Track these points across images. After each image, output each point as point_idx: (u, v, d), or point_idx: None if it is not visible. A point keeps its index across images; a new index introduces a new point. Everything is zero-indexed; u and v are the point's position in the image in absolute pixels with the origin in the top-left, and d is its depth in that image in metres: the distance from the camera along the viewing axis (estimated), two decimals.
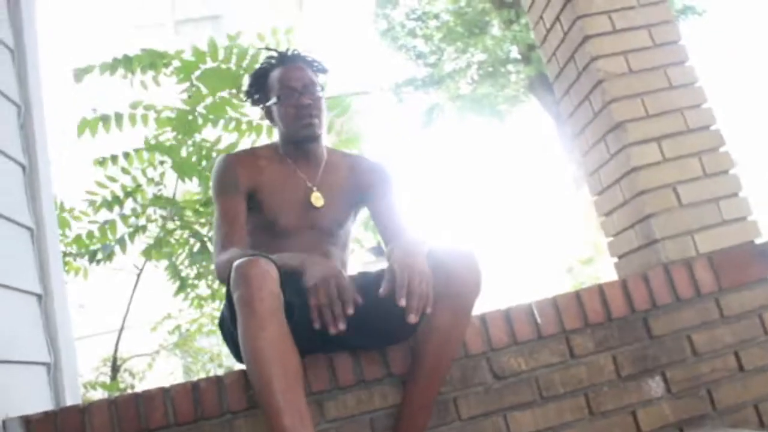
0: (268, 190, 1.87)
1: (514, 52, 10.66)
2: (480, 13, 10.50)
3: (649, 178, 2.01)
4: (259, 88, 2.00)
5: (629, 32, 2.11)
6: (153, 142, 3.58)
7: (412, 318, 1.42)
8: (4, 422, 1.69)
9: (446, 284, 1.52)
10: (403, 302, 1.42)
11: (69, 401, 2.01)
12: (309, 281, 1.51)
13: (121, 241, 3.43)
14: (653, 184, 2.01)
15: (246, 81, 3.40)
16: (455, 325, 1.58)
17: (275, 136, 2.17)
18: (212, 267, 3.73)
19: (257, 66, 2.07)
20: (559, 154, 10.55)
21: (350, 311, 1.47)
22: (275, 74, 1.94)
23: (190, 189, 3.91)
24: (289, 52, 1.98)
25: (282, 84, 1.90)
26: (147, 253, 3.58)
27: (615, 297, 1.90)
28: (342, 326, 1.46)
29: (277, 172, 1.91)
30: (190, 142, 3.51)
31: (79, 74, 3.39)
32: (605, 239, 2.33)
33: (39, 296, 2.05)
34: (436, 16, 10.96)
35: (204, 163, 3.48)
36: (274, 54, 1.99)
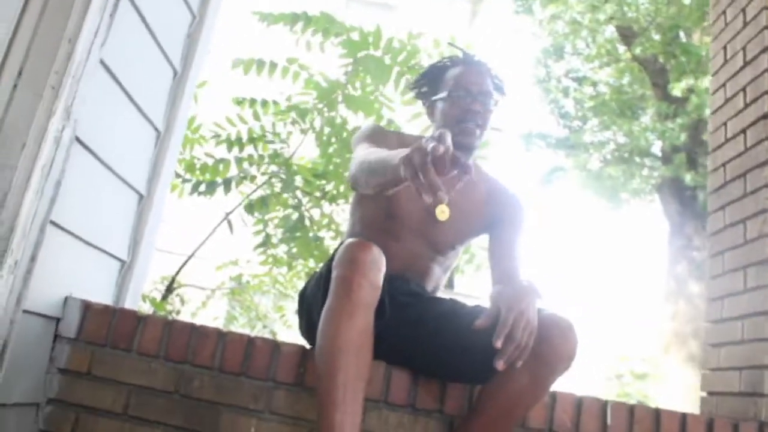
0: None
1: (656, 148, 10.32)
2: (639, 97, 10.23)
3: None
4: (432, 81, 1.88)
5: None
6: (295, 100, 3.62)
7: (500, 365, 1.33)
8: (66, 298, 1.72)
9: (539, 348, 1.41)
10: (499, 344, 1.32)
11: (128, 303, 2.03)
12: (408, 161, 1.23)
13: (227, 183, 3.48)
14: None
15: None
16: (530, 393, 1.47)
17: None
18: (299, 234, 3.74)
19: (438, 60, 1.96)
20: (663, 263, 10.13)
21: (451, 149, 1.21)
22: (453, 72, 1.83)
23: (310, 159, 3.92)
24: (476, 57, 1.87)
25: (458, 82, 1.79)
26: (247, 207, 3.61)
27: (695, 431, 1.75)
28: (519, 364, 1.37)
29: None
30: (327, 114, 3.52)
31: (261, 17, 3.46)
32: (680, 366, 2.16)
33: (141, 196, 2.08)
34: (595, 84, 10.75)
35: (333, 139, 3.49)
36: (460, 53, 1.89)
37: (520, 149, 11.21)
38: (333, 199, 3.79)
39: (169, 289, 4.46)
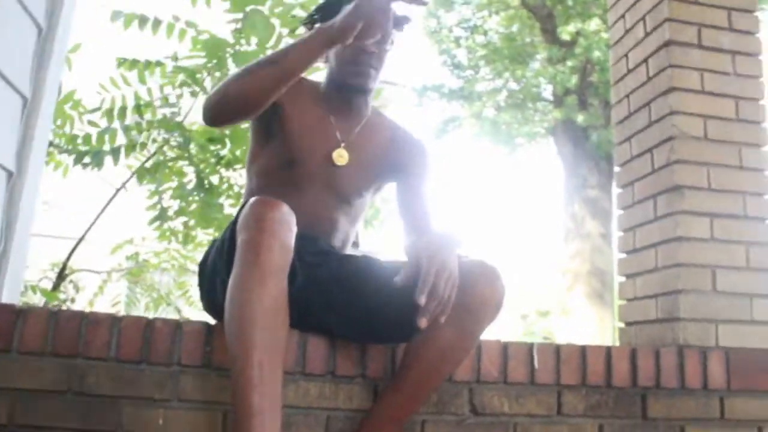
0: (295, 122, 1.65)
1: (548, 92, 10.54)
2: (528, 43, 10.37)
3: (690, 252, 1.86)
4: (326, 15, 1.70)
5: (716, 98, 1.96)
6: (183, 61, 3.35)
7: (423, 322, 1.24)
8: None
9: (462, 298, 1.32)
10: (422, 300, 1.23)
11: (5, 297, 1.80)
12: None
13: (116, 152, 3.19)
14: (693, 261, 1.86)
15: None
16: (458, 346, 1.39)
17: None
18: (196, 206, 3.53)
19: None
20: (558, 201, 10.46)
21: None
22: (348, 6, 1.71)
23: (199, 121, 3.69)
24: None
25: None
26: (140, 174, 3.35)
27: (621, 364, 1.74)
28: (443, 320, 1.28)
29: (310, 108, 1.68)
30: (218, 75, 3.29)
31: None
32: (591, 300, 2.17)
33: (10, 173, 1.84)
34: (485, 33, 10.80)
35: None
36: None
37: (415, 102, 11.18)
38: (229, 164, 3.58)
39: (61, 276, 4.14)
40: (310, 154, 1.64)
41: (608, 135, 9.57)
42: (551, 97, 10.25)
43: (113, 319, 1.52)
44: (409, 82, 11.46)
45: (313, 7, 1.81)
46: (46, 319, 1.49)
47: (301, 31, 1.86)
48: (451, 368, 1.43)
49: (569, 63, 9.01)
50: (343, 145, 1.67)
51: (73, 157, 3.26)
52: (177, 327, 1.53)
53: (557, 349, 1.72)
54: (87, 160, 3.17)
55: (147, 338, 1.51)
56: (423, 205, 1.68)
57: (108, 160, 3.20)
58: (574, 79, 9.00)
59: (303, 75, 1.68)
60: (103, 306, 5.11)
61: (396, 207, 1.75)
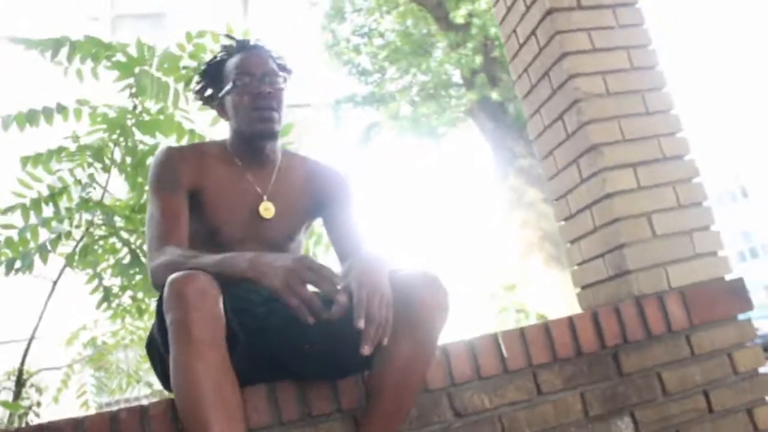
0: (212, 193, 1.63)
1: (457, 77, 10.68)
2: (426, 35, 10.49)
3: (623, 205, 1.91)
4: (213, 79, 1.75)
5: (608, 52, 2.01)
6: (84, 140, 3.27)
7: (366, 349, 1.23)
8: None
9: (407, 311, 1.32)
10: (361, 324, 1.22)
11: None
12: (274, 285, 1.25)
13: (42, 249, 3.07)
14: (628, 213, 1.90)
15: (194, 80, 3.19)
16: (417, 358, 1.37)
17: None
18: (139, 277, 3.45)
19: (212, 57, 1.81)
20: (493, 178, 10.59)
21: (339, 285, 1.25)
22: (233, 61, 1.70)
23: (117, 196, 3.60)
24: (251, 41, 1.75)
25: (239, 69, 1.66)
26: (70, 260, 3.24)
27: (585, 330, 1.77)
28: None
29: (224, 173, 1.67)
30: (124, 143, 3.22)
31: (16, 42, 3.03)
32: (557, 267, 2.21)
33: None
34: (382, 35, 10.87)
35: (139, 169, 3.19)
36: (233, 42, 1.76)
37: (332, 118, 11.18)
38: None
39: (20, 383, 3.97)
40: (234, 218, 1.63)
41: None
42: (461, 81, 10.38)
43: (75, 423, 1.47)
44: (323, 100, 11.46)
45: (196, 76, 1.79)
46: None
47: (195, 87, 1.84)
48: (417, 380, 1.42)
49: (469, 45, 9.14)
50: (265, 197, 1.66)
51: (2, 263, 3.13)
52: (143, 413, 1.49)
53: (522, 333, 1.74)
54: (17, 265, 3.05)
55: None
56: (350, 233, 1.69)
57: (37, 259, 3.08)
58: (478, 59, 9.13)
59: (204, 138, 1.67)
60: (69, 400, 4.95)
61: (328, 238, 1.75)
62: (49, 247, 3.14)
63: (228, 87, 1.67)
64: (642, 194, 1.92)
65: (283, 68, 1.76)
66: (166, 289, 1.25)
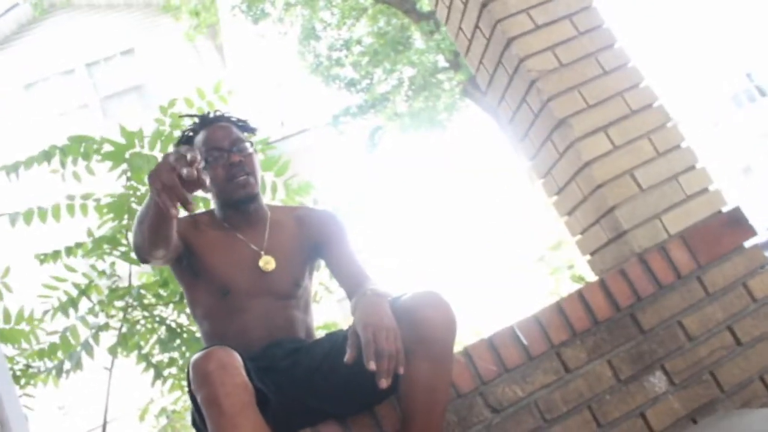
0: (210, 252, 1.74)
1: (442, 61, 10.70)
2: (400, 29, 10.54)
3: (603, 169, 1.94)
4: None
5: (552, 26, 2.04)
6: (96, 233, 3.40)
7: (383, 383, 1.31)
8: None
9: (416, 333, 1.40)
10: (372, 366, 1.30)
11: None
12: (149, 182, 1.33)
13: (87, 346, 3.22)
14: (610, 175, 1.93)
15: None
16: (437, 373, 1.45)
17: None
18: (184, 348, 3.56)
19: (181, 134, 1.93)
20: (508, 150, 10.58)
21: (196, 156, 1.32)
22: (199, 138, 1.82)
23: (144, 271, 3.73)
24: (211, 114, 1.87)
25: (208, 146, 1.77)
26: (112, 351, 3.38)
27: (597, 299, 1.81)
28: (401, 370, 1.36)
29: (217, 236, 1.78)
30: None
31: (9, 170, 3.17)
32: (573, 237, 2.25)
33: None
34: (359, 42, 10.96)
35: None
36: (195, 118, 1.87)
37: (335, 135, 11.28)
38: None
39: None
40: (237, 277, 1.72)
41: None
42: (447, 65, 10.40)
43: None
44: (321, 121, 11.57)
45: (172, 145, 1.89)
46: None
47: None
48: (443, 394, 1.49)
49: (443, 28, 9.16)
50: (263, 252, 1.75)
51: (53, 370, 3.28)
52: None
53: (536, 319, 1.78)
54: (67, 367, 3.19)
55: None
56: (351, 266, 1.76)
57: (84, 357, 3.23)
58: (457, 46, 9.14)
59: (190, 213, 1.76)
60: None
61: (333, 276, 1.83)
62: (92, 343, 3.28)
63: (201, 164, 1.76)
64: (619, 153, 1.95)
65: (247, 129, 1.86)
66: (191, 372, 1.36)
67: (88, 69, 10.64)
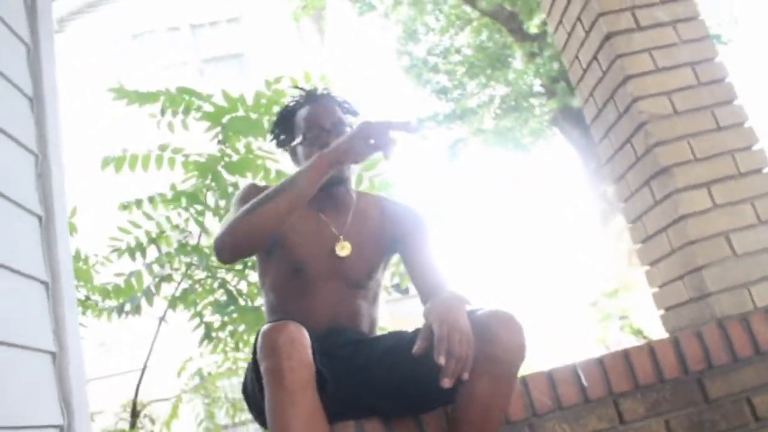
0: (291, 233, 1.72)
1: (537, 86, 10.57)
2: (502, 47, 10.45)
3: (699, 226, 1.88)
4: (285, 128, 1.88)
5: (673, 71, 1.99)
6: (179, 187, 3.49)
7: (446, 383, 1.29)
8: None
9: (485, 349, 1.38)
10: (442, 360, 1.29)
11: None
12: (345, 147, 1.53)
13: (148, 293, 3.32)
14: (704, 234, 1.87)
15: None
16: (497, 394, 1.43)
17: None
18: (236, 315, 3.63)
19: (284, 105, 1.94)
20: (585, 187, 10.36)
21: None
22: (302, 113, 1.82)
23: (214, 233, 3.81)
24: (319, 91, 1.87)
25: (309, 122, 1.78)
26: (172, 304, 3.47)
27: (666, 356, 1.76)
28: (425, 342, 1.36)
29: (300, 215, 1.73)
30: (216, 189, 3.41)
31: (118, 94, 3.26)
32: (645, 284, 2.19)
33: (53, 354, 1.94)
34: (458, 51, 10.92)
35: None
36: (302, 92, 1.88)
37: (417, 139, 11.30)
38: (254, 266, 3.68)
39: (134, 414, 4.24)
40: (312, 257, 1.72)
41: None
42: (542, 90, 10.26)
43: None
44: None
45: (271, 127, 1.94)
46: None
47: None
48: (498, 415, 1.47)
49: (546, 53, 9.05)
50: (341, 237, 1.74)
51: (113, 310, 3.39)
52: None
53: (601, 361, 1.74)
54: (127, 308, 3.30)
55: None
56: (430, 271, 1.73)
57: (144, 303, 3.33)
58: (556, 66, 9.01)
59: None
60: (182, 428, 5.22)
61: (408, 275, 1.82)
62: (153, 291, 3.38)
63: (299, 139, 1.79)
64: (718, 213, 1.89)
65: (350, 112, 1.87)
66: (259, 340, 1.36)
67: (193, 30, 10.98)
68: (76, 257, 3.47)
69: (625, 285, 10.15)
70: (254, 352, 1.42)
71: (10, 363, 1.72)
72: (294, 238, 1.74)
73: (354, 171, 1.86)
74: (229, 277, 3.68)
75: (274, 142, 1.94)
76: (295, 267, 1.72)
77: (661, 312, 2.12)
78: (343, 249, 1.73)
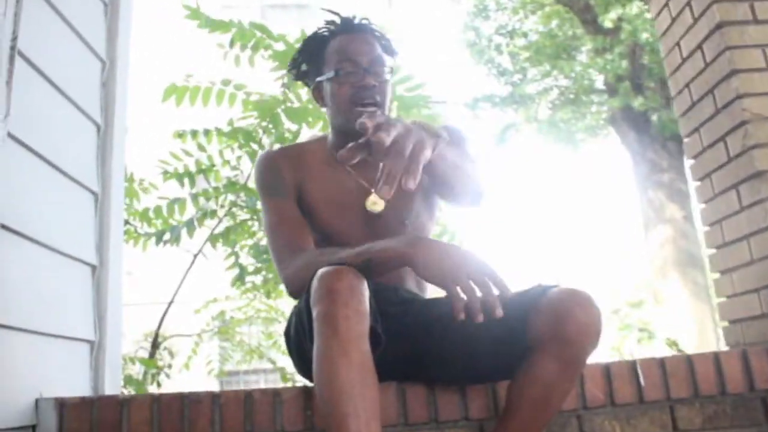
0: (316, 195, 1.58)
1: (600, 82, 10.31)
2: (571, 37, 10.19)
3: None
4: (312, 57, 1.61)
5: None
6: (237, 124, 3.44)
7: (479, 317, 1.18)
8: (37, 401, 1.55)
9: (557, 328, 1.27)
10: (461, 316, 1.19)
11: (108, 385, 1.85)
12: (441, 278, 1.22)
13: (190, 225, 3.28)
14: None
15: None
16: (563, 378, 1.32)
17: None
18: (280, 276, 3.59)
19: (314, 32, 1.65)
20: (632, 192, 10.13)
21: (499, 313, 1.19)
22: (334, 44, 1.57)
23: None
24: (356, 20, 1.60)
25: (342, 55, 1.54)
26: (213, 240, 3.44)
27: (733, 370, 1.65)
28: (500, 312, 1.18)
29: (326, 173, 1.60)
30: (273, 131, 3.35)
31: (193, 14, 3.18)
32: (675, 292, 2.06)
33: (94, 267, 1.91)
34: (525, 35, 10.68)
35: None
36: (336, 18, 1.62)
37: (469, 117, 11.13)
38: None
39: (155, 345, 4.25)
40: (343, 220, 1.58)
41: (670, 115, 9.25)
42: (604, 87, 10.01)
43: (213, 397, 1.55)
44: (460, 98, 11.42)
45: (295, 53, 1.68)
46: (150, 405, 1.54)
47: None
48: (558, 402, 1.37)
49: (617, 50, 8.79)
50: (373, 190, 1.59)
51: (152, 236, 3.36)
52: (276, 396, 1.55)
53: (662, 363, 1.65)
54: (166, 237, 3.26)
55: (248, 411, 1.54)
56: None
57: (184, 234, 3.29)
58: (625, 65, 8.75)
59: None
60: (197, 367, 5.24)
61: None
62: (195, 224, 3.34)
63: (329, 74, 1.56)
64: None
65: (389, 51, 1.63)
66: (315, 283, 1.25)
67: None
68: (126, 178, 3.45)
69: (654, 296, 9.94)
70: (307, 296, 1.33)
71: (50, 269, 1.69)
72: (320, 203, 1.59)
73: (392, 109, 1.66)
74: None
75: (294, 72, 1.67)
76: (326, 235, 1.59)
77: (725, 324, 2.01)
78: (375, 205, 1.47)
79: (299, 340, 1.46)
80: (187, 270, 3.64)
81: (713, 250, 2.03)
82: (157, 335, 4.09)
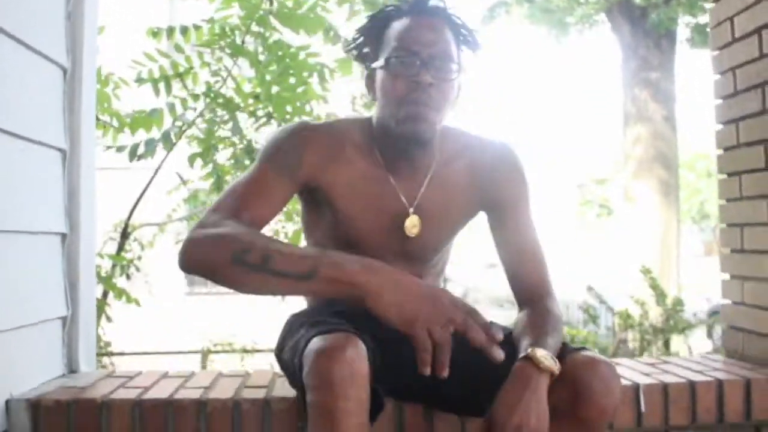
0: (344, 195, 1.36)
1: None
2: None
3: None
4: (371, 39, 1.36)
5: None
6: (216, 18, 3.11)
7: None
8: (7, 403, 1.45)
9: (574, 405, 1.16)
10: None
11: (83, 361, 1.74)
12: (410, 326, 1.05)
13: (166, 138, 3.04)
14: None
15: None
16: None
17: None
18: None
19: (379, 10, 1.39)
20: (619, 87, 9.91)
21: (498, 336, 1.06)
22: (397, 25, 1.31)
23: (247, 76, 3.44)
24: (430, 2, 1.32)
25: (401, 41, 1.28)
26: (192, 160, 3.23)
27: (735, 399, 1.62)
28: (500, 356, 1.07)
29: (362, 171, 1.37)
30: (260, 34, 3.06)
31: None
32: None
33: (63, 235, 1.73)
34: None
35: (274, 67, 3.03)
36: None
37: None
38: (282, 118, 3.35)
39: (124, 235, 4.10)
40: (371, 231, 1.37)
41: (670, 13, 8.89)
42: None
43: (198, 404, 1.47)
44: None
45: (355, 30, 1.42)
46: (131, 411, 1.47)
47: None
48: None
49: None
50: (411, 210, 1.37)
51: (125, 149, 3.10)
52: (265, 406, 1.48)
53: (665, 388, 1.60)
54: (141, 150, 3.04)
55: (236, 420, 1.47)
56: (528, 257, 1.40)
57: (159, 147, 3.07)
58: None
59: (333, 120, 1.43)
60: (167, 250, 5.17)
61: (493, 242, 1.46)
62: (173, 138, 3.12)
63: (380, 62, 1.32)
64: None
65: (467, 43, 1.37)
66: (309, 362, 1.09)
67: None
68: (98, 77, 3.15)
69: (625, 192, 10.00)
70: (301, 354, 1.15)
71: (14, 248, 1.52)
72: (347, 206, 1.36)
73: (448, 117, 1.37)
74: (250, 123, 3.40)
75: (354, 52, 1.42)
76: (346, 242, 1.36)
77: (725, 276, 1.99)
78: (413, 228, 1.36)
79: (296, 375, 1.30)
80: (159, 165, 3.40)
81: (721, 151, 1.96)
82: (126, 226, 3.96)
